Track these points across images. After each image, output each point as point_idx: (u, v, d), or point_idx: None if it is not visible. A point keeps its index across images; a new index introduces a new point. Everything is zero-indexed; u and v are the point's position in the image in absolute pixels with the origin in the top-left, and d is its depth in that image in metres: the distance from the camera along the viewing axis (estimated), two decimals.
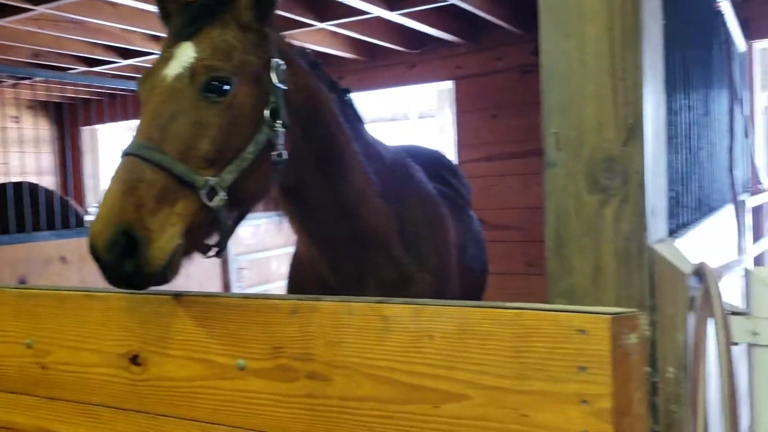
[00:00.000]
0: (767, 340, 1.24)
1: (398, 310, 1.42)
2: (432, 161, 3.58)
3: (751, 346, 1.27)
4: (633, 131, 1.24)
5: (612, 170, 1.26)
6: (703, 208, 2.91)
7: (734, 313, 1.28)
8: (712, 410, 1.27)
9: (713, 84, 3.50)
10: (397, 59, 6.93)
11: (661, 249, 1.27)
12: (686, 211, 2.52)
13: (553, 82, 1.30)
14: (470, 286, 3.12)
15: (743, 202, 4.57)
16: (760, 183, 5.50)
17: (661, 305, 1.25)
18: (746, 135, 4.91)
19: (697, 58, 3.19)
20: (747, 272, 1.27)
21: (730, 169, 2.97)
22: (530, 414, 1.30)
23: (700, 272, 1.30)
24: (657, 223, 1.30)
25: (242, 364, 1.45)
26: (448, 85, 6.94)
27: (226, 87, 1.68)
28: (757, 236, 5.50)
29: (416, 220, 2.39)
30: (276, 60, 1.82)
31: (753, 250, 4.83)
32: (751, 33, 5.42)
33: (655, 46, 1.30)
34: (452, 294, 2.60)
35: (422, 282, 2.37)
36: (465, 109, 6.71)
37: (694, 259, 1.94)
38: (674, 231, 2.20)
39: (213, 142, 1.63)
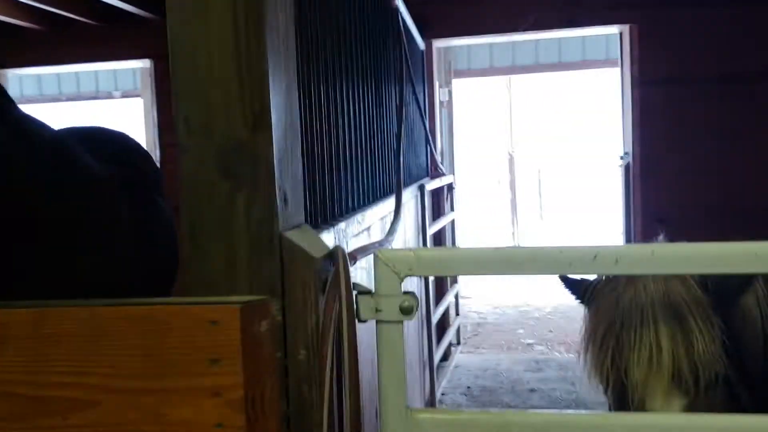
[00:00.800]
0: (388, 315, 1.34)
1: (17, 316, 1.26)
2: (114, 145, 3.31)
3: (377, 322, 1.36)
4: (260, 118, 1.23)
5: (242, 157, 1.24)
6: (377, 193, 3.12)
7: (361, 293, 1.36)
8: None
9: (390, 78, 3.77)
10: (86, 33, 6.36)
11: (293, 236, 1.29)
12: (356, 195, 2.67)
13: (180, 65, 1.25)
14: (157, 278, 2.96)
15: (423, 186, 5.04)
16: (438, 168, 6.12)
17: (292, 290, 1.28)
18: (424, 126, 5.41)
19: (374, 53, 3.40)
20: (374, 255, 1.36)
21: (398, 156, 3.21)
22: (166, 412, 1.24)
23: (332, 256, 1.36)
24: (289, 210, 1.32)
25: None
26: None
27: None
28: (437, 216, 6.13)
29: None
30: None
31: (432, 228, 5.36)
32: (429, 32, 5.97)
33: (284, 35, 1.31)
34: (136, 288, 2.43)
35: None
36: (166, 90, 6.40)
37: (338, 242, 2.05)
38: (340, 215, 2.31)
39: None
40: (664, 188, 5.87)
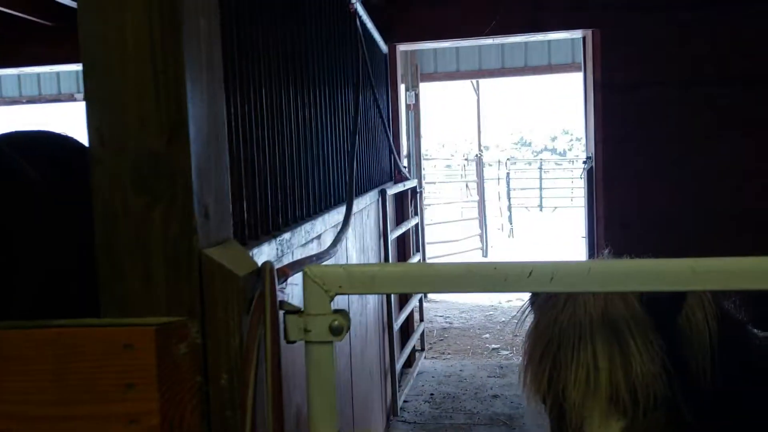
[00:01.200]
0: (317, 336, 1.28)
1: None
2: (56, 148, 3.20)
3: (305, 343, 1.30)
4: (177, 129, 1.17)
5: (157, 171, 1.18)
6: (329, 200, 3.06)
7: (288, 312, 1.30)
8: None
9: (348, 83, 3.71)
10: (47, 34, 6.20)
11: (214, 253, 1.23)
12: (306, 204, 2.60)
13: (93, 72, 1.18)
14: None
15: (384, 190, 4.99)
16: (402, 173, 6.07)
17: (213, 310, 1.21)
18: (386, 131, 5.36)
19: (330, 59, 3.34)
20: (303, 272, 1.30)
21: (351, 162, 3.15)
22: None
23: (260, 273, 1.29)
24: (212, 226, 1.25)
25: None
26: None
27: None
28: (400, 221, 6.08)
29: None
30: None
31: (393, 233, 5.31)
32: (392, 36, 5.92)
33: (206, 42, 1.25)
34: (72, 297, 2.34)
35: None
36: None
37: (282, 253, 1.98)
38: (285, 225, 2.25)
39: None
40: (627, 193, 5.90)
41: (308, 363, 1.29)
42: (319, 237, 2.61)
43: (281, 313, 1.29)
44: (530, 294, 1.74)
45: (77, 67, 7.39)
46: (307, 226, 2.38)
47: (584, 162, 6.27)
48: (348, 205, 2.68)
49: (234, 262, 1.26)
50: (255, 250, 1.77)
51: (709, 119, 5.83)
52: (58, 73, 10.48)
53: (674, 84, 5.88)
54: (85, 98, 1.20)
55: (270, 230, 2.00)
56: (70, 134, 3.53)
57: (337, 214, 2.95)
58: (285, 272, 1.40)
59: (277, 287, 1.35)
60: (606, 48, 5.92)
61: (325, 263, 1.53)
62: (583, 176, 6.28)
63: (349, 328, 1.29)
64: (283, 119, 2.26)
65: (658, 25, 5.82)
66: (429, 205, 15.33)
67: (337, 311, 1.29)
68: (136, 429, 1.16)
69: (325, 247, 2.62)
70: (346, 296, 3.38)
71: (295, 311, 1.30)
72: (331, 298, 1.29)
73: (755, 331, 1.85)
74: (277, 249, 1.93)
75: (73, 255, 2.40)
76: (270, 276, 1.28)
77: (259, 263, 1.31)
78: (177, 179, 1.17)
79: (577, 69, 7.73)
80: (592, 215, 6.15)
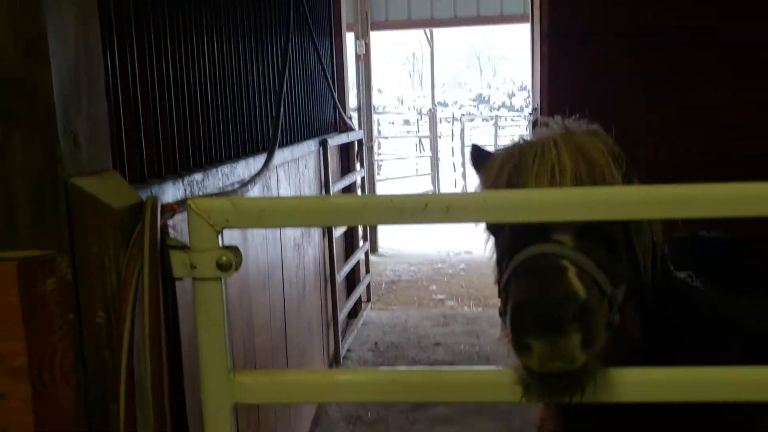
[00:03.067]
0: (204, 272, 1.21)
1: None
2: None
3: (193, 280, 1.23)
4: (35, 46, 1.06)
5: (15, 92, 1.07)
6: (257, 145, 2.95)
7: (173, 248, 1.22)
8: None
9: (279, 25, 3.57)
10: None
11: (86, 183, 1.14)
12: (227, 146, 2.50)
13: None
14: None
15: (326, 140, 4.89)
16: (347, 123, 5.96)
17: (84, 244, 1.13)
18: (326, 78, 5.23)
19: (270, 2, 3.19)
20: (187, 205, 1.22)
21: (278, 100, 3.03)
22: None
23: (141, 207, 1.21)
24: (83, 155, 1.16)
25: None
26: None
27: None
28: (345, 172, 6.00)
29: None
30: None
31: (336, 186, 5.24)
32: None
33: None
34: None
35: None
36: None
37: (190, 194, 1.90)
38: (197, 166, 2.15)
39: None
40: None
41: (196, 300, 1.23)
42: (243, 182, 2.52)
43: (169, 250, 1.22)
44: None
45: None
46: (226, 168, 2.29)
47: (530, 113, 6.25)
48: (272, 143, 2.58)
49: (110, 195, 1.17)
50: (155, 188, 1.67)
51: (659, 70, 5.77)
52: None
53: (624, 34, 5.82)
54: None
55: (178, 170, 1.91)
56: None
57: (259, 161, 2.85)
58: (173, 208, 1.32)
59: (165, 223, 1.27)
60: None
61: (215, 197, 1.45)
62: (528, 129, 6.28)
63: (239, 265, 1.23)
64: (196, 55, 2.14)
65: None
66: (382, 160, 15.24)
67: (226, 247, 1.23)
68: (3, 370, 1.09)
69: (252, 194, 2.53)
70: (280, 247, 3.31)
71: (181, 247, 1.23)
72: (218, 233, 1.22)
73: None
74: (185, 189, 1.84)
75: None
76: (152, 209, 1.21)
77: None
78: (37, 102, 1.08)
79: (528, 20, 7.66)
80: None
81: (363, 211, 1.21)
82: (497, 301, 1.45)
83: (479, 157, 1.62)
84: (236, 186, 2.34)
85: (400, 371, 1.39)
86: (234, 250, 1.23)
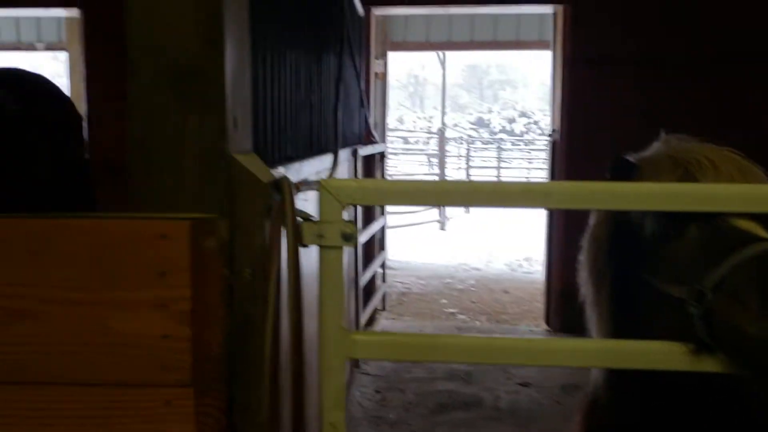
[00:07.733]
0: (330, 241, 1.40)
1: None
2: (30, 85, 3.24)
3: (319, 247, 1.42)
4: (215, 41, 1.27)
5: (194, 78, 1.28)
6: (314, 148, 3.16)
7: (305, 219, 1.42)
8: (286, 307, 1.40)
9: (332, 40, 3.79)
10: None
11: (242, 159, 1.34)
12: (296, 145, 2.71)
13: None
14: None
15: (356, 150, 5.10)
16: (372, 136, 6.19)
17: (240, 211, 1.33)
18: (360, 92, 5.46)
19: (315, 18, 3.41)
20: (320, 183, 1.42)
21: (336, 111, 3.25)
22: (113, 324, 1.28)
23: (278, 184, 1.41)
24: (239, 135, 1.36)
25: None
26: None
27: None
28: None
29: None
30: None
31: None
32: None
33: None
34: None
35: None
36: (99, 41, 6.17)
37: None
38: (280, 161, 2.35)
39: None
40: (590, 167, 6.08)
41: (322, 265, 1.42)
42: (318, 176, 2.72)
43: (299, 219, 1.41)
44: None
45: (39, 12, 7.22)
46: (297, 165, 2.49)
47: (549, 135, 6.47)
48: (334, 146, 2.78)
49: (258, 171, 1.37)
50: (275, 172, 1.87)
51: (673, 97, 5.99)
52: (17, 20, 10.18)
53: (642, 61, 6.06)
54: (126, 7, 1.29)
55: (269, 163, 2.11)
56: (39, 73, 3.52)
57: (317, 162, 3.05)
58: (298, 187, 1.52)
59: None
60: (575, 23, 6.10)
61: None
62: (547, 148, 6.49)
63: (358, 237, 1.43)
64: (280, 64, 2.36)
65: (627, 3, 6.00)
66: (392, 175, 15.47)
67: (348, 221, 1.42)
68: (166, 314, 1.27)
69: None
70: None
71: (310, 219, 1.43)
72: (343, 208, 1.42)
73: None
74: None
75: (46, 186, 2.48)
76: (289, 186, 1.41)
77: None
78: (213, 86, 1.28)
79: (544, 47, 7.91)
80: None
81: (472, 194, 1.41)
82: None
83: (625, 169, 1.67)
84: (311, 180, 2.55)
85: (499, 338, 1.56)
86: (354, 223, 1.43)
